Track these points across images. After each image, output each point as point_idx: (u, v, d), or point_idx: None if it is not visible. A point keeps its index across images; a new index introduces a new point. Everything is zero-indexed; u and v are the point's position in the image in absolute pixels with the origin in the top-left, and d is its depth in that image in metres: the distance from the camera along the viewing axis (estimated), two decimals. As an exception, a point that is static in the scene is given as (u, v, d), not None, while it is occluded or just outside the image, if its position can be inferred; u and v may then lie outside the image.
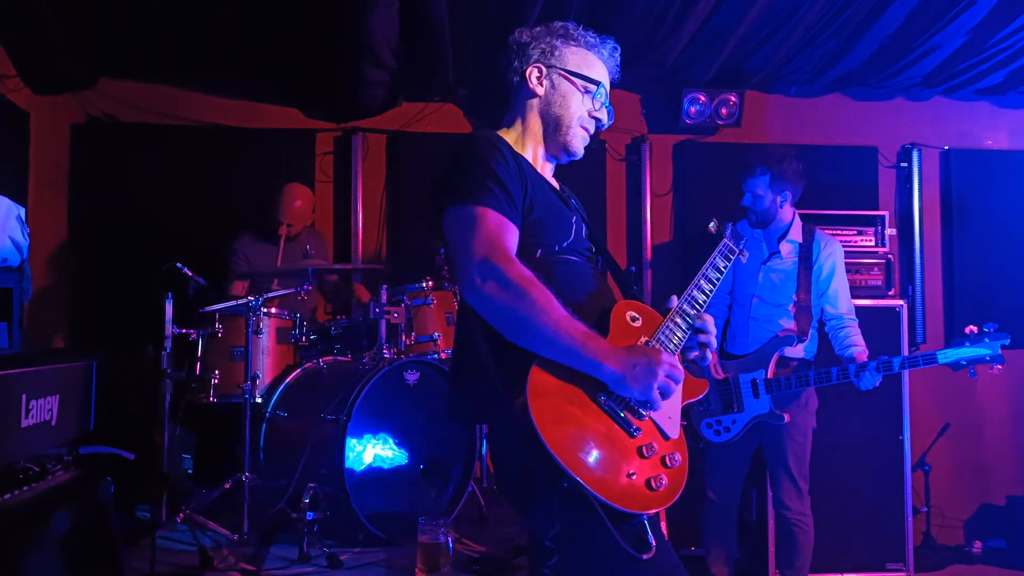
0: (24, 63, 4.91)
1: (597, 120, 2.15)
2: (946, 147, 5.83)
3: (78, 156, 5.37)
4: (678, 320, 2.00)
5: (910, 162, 5.76)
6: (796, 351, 3.83)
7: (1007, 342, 3.39)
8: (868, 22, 4.68)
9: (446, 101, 5.60)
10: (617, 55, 2.18)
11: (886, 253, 4.93)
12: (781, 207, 3.87)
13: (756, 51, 5.07)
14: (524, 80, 2.12)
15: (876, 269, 4.89)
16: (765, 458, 3.92)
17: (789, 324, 3.83)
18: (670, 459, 1.83)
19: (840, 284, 3.89)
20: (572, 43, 2.14)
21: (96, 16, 4.64)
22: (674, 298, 2.05)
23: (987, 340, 3.41)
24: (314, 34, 4.72)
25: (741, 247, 2.20)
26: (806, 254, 3.87)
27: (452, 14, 4.55)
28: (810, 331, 3.83)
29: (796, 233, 3.92)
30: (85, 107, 5.37)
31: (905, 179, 5.79)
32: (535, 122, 2.14)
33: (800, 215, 3.92)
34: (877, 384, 3.63)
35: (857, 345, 3.77)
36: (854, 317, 3.89)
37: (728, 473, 3.94)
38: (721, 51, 4.99)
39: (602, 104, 2.14)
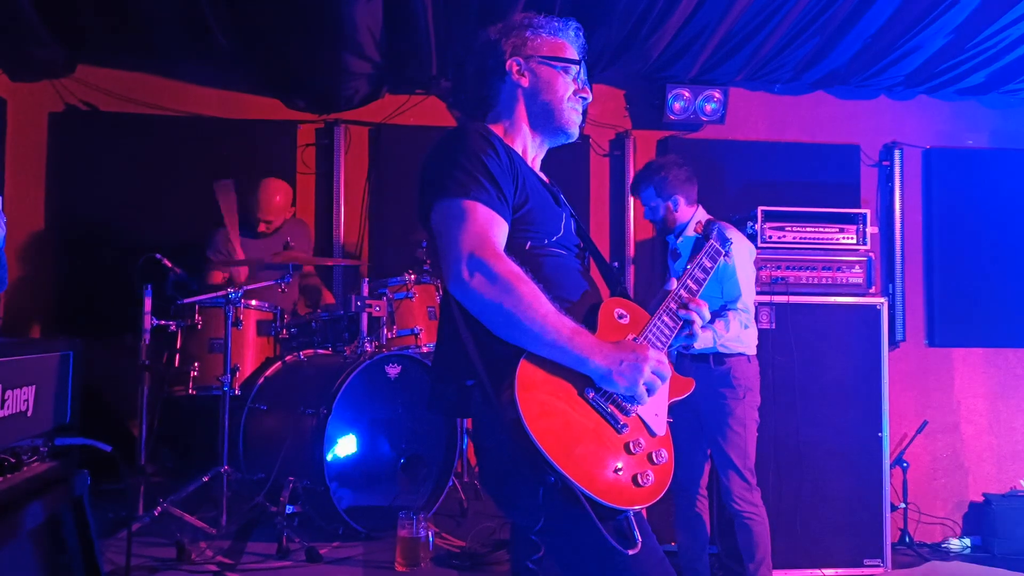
0: (0, 49, 4.84)
1: (583, 98, 2.15)
2: (928, 146, 5.86)
3: (56, 144, 5.30)
4: (665, 318, 2.00)
5: (892, 161, 5.79)
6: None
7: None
8: (851, 21, 4.71)
9: (429, 94, 5.57)
10: (581, 35, 2.21)
11: (867, 251, 4.94)
12: (676, 211, 4.01)
13: (739, 48, 5.07)
14: (506, 75, 2.12)
15: (857, 267, 4.91)
16: (710, 453, 3.96)
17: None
18: (657, 456, 1.83)
19: (731, 272, 3.88)
20: (541, 31, 2.15)
21: (73, 1, 4.58)
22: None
23: None
24: (297, 24, 4.68)
25: (727, 249, 2.20)
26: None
27: (435, 5, 4.53)
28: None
29: (692, 231, 4.04)
30: (63, 95, 5.29)
31: (887, 178, 5.83)
32: (523, 114, 2.13)
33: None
34: (689, 344, 3.65)
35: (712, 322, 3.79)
36: (735, 305, 3.87)
37: (683, 465, 3.96)
38: (705, 48, 4.99)
39: (584, 82, 2.15)
